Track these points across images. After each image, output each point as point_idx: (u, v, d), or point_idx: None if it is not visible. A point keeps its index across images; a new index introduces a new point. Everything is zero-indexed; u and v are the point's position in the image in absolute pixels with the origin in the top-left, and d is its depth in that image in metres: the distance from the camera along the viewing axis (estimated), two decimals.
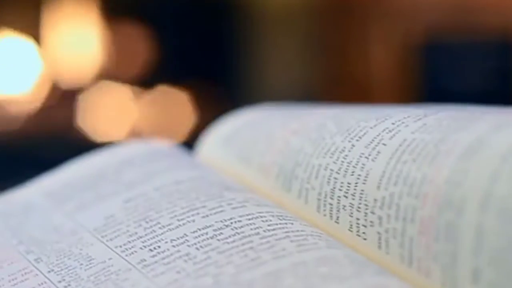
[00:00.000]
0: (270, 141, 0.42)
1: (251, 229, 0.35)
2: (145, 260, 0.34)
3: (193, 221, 0.36)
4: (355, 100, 1.54)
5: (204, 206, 0.37)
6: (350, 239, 0.35)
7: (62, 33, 1.74)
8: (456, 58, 1.70)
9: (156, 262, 0.34)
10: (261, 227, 0.35)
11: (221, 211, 0.37)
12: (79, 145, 1.56)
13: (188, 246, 0.34)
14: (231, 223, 0.35)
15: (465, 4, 1.72)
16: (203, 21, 1.79)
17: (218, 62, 1.81)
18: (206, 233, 0.35)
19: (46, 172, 0.45)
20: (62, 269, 0.36)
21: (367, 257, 0.34)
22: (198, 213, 0.37)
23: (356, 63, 1.83)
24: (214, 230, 0.35)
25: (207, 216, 0.36)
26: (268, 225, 0.35)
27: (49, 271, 0.36)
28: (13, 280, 0.36)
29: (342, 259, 0.33)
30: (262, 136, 0.43)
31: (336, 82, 1.84)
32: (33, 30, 1.73)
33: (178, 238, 0.35)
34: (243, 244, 0.34)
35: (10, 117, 1.72)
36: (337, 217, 0.36)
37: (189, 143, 0.48)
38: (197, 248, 0.34)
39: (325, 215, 0.37)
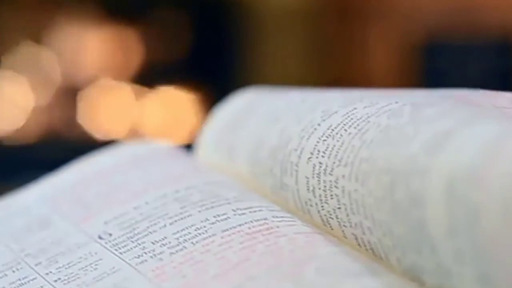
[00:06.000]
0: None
1: (263, 235, 0.34)
2: (150, 266, 0.34)
3: (199, 228, 0.36)
4: None
5: (202, 210, 0.37)
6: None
7: (63, 32, 1.74)
8: (456, 58, 1.70)
9: (163, 268, 0.34)
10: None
11: (226, 218, 0.36)
12: (81, 144, 1.56)
13: (193, 251, 0.34)
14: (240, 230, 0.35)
15: (465, 5, 1.72)
16: (204, 21, 1.79)
17: (218, 62, 1.82)
18: (213, 241, 0.35)
19: (47, 172, 0.44)
20: (68, 277, 0.35)
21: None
22: (200, 219, 0.36)
23: (356, 63, 1.83)
24: (222, 238, 0.35)
25: (213, 223, 0.36)
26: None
27: (55, 281, 0.35)
28: (17, 287, 0.35)
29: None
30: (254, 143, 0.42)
31: (336, 82, 1.84)
32: (34, 29, 1.73)
33: (184, 248, 0.35)
34: (253, 251, 0.34)
35: (10, 116, 1.72)
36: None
37: (191, 143, 0.48)
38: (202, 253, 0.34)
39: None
